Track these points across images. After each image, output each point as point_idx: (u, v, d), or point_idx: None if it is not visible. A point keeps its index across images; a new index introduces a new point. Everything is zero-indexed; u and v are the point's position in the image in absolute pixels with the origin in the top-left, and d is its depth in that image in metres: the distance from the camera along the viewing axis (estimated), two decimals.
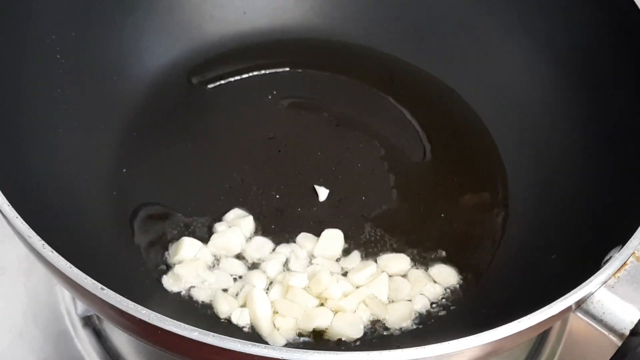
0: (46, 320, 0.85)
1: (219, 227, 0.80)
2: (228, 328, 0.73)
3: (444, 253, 0.81)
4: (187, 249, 0.77)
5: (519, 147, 0.90)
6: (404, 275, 0.79)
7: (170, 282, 0.76)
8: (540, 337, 0.84)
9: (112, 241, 0.78)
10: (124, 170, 0.85)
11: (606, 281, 0.61)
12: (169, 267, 0.77)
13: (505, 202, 0.87)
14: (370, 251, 0.81)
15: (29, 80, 0.79)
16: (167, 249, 0.79)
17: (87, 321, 0.84)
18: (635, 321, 0.62)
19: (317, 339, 0.73)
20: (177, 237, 0.79)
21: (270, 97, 0.95)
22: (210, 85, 0.95)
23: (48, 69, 0.82)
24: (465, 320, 0.76)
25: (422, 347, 0.54)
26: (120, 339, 0.83)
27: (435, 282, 0.79)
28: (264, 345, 0.52)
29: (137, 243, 0.79)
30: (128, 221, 0.81)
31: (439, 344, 0.54)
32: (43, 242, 0.57)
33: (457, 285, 0.79)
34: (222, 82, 0.95)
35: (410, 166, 0.90)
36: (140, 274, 0.77)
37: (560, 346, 0.82)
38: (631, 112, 0.77)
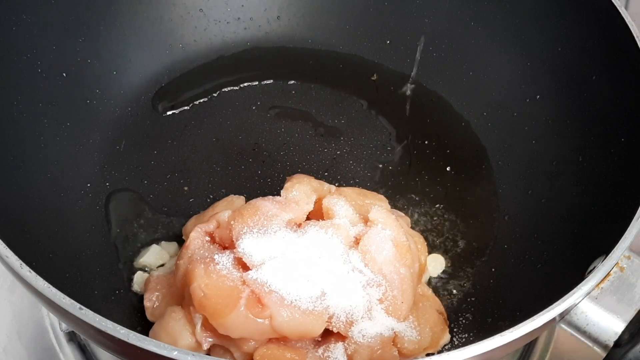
0: (30, 336, 0.84)
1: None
2: None
3: None
4: (150, 255, 0.79)
5: (508, 154, 0.90)
6: None
7: (139, 286, 0.77)
8: (527, 347, 0.83)
9: (95, 254, 0.78)
10: (108, 184, 0.85)
11: (589, 292, 0.60)
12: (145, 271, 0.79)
13: (494, 209, 0.87)
14: None
15: (10, 97, 0.78)
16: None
17: (72, 336, 0.84)
18: (619, 332, 0.62)
19: None
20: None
21: (254, 108, 0.94)
22: (194, 99, 0.95)
23: (29, 83, 0.81)
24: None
25: None
26: (105, 354, 0.82)
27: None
28: None
29: (121, 257, 0.80)
30: (111, 235, 0.81)
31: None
32: (21, 261, 0.56)
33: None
34: (206, 94, 0.95)
35: (397, 175, 0.90)
36: (124, 285, 0.77)
37: (547, 356, 0.81)
38: (617, 123, 0.77)
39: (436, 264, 0.81)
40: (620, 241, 0.62)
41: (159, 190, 0.85)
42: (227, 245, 0.70)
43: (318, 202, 0.74)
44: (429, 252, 0.81)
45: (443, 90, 0.97)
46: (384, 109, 0.96)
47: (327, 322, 0.65)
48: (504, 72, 0.93)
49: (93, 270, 0.76)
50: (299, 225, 0.71)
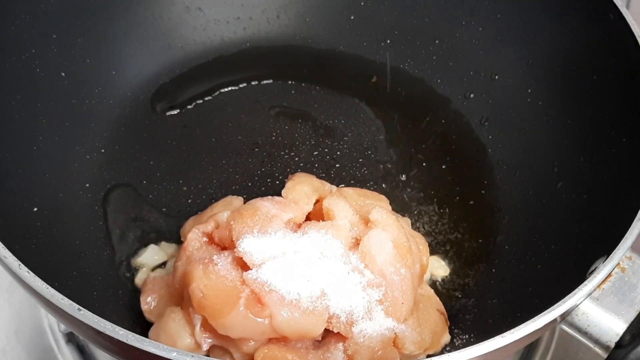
0: (29, 337, 0.84)
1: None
2: None
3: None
4: (148, 255, 0.79)
5: (508, 154, 0.90)
6: None
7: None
8: (528, 348, 0.83)
9: (93, 254, 0.78)
10: (108, 186, 0.84)
11: (591, 293, 0.60)
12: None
13: (494, 209, 0.86)
14: None
15: (8, 96, 0.78)
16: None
17: (71, 337, 0.84)
18: (621, 333, 0.62)
19: None
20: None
21: (253, 108, 0.94)
22: (193, 99, 0.94)
23: (28, 83, 0.81)
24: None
25: None
26: (104, 355, 0.82)
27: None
28: None
29: (119, 258, 0.79)
30: (110, 235, 0.80)
31: None
32: (19, 262, 0.56)
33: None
34: (205, 94, 0.95)
35: (397, 175, 0.89)
36: (123, 285, 0.77)
37: (548, 357, 0.81)
38: (618, 123, 0.77)
39: (437, 265, 0.81)
40: (621, 242, 0.62)
41: (158, 190, 0.85)
42: (226, 245, 0.70)
43: (319, 203, 0.74)
44: (429, 253, 0.80)
45: (443, 90, 0.97)
46: (383, 109, 0.96)
47: (328, 322, 0.64)
48: (504, 71, 0.93)
49: (92, 271, 0.76)
50: (299, 226, 0.71)
